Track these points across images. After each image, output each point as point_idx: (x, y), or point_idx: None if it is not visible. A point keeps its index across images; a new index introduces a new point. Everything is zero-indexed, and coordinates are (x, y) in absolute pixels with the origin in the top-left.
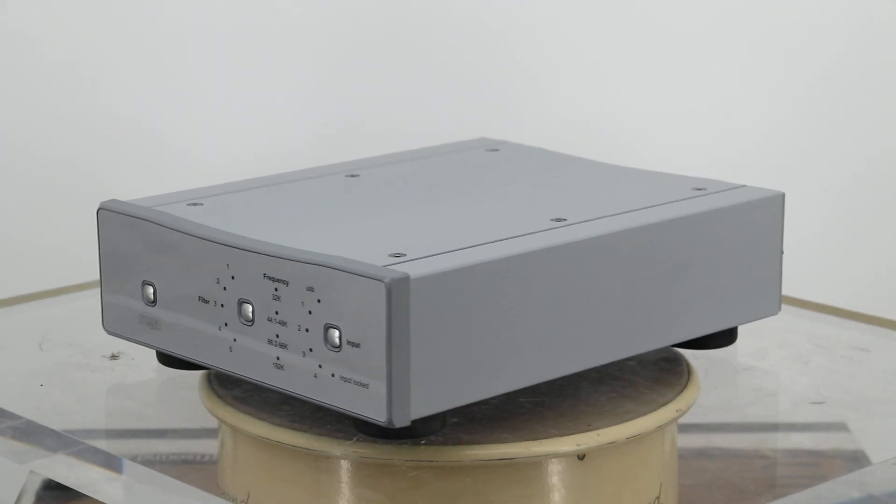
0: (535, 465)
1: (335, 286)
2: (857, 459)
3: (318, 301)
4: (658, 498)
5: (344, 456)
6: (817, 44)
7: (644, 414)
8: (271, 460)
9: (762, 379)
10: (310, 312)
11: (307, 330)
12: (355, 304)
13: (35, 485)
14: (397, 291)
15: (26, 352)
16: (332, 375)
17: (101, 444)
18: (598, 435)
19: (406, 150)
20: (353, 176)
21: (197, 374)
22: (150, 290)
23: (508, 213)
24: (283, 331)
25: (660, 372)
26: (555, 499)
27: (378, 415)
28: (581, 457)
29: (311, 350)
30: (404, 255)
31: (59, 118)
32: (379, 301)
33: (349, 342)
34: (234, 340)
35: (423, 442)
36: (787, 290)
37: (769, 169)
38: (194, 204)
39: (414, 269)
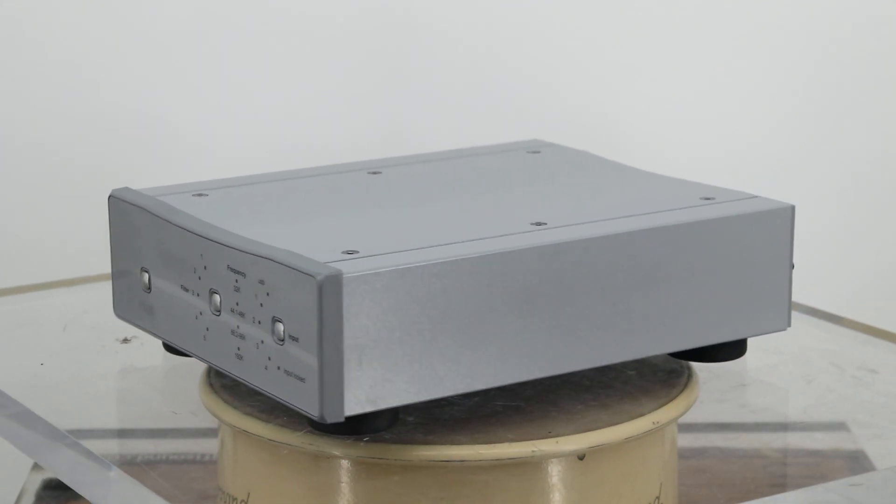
0: (535, 465)
1: (280, 280)
2: (856, 459)
3: (268, 294)
4: (658, 498)
5: (345, 456)
6: (818, 45)
7: (614, 424)
8: (271, 460)
9: (755, 396)
10: (261, 305)
11: (259, 322)
12: (295, 298)
13: (35, 485)
14: (329, 288)
15: (47, 332)
16: (278, 368)
17: (101, 444)
18: (557, 443)
19: (448, 150)
20: (374, 173)
21: (199, 363)
22: (146, 276)
23: (495, 214)
24: (241, 322)
25: (655, 383)
26: (555, 499)
27: (312, 409)
28: (581, 457)
29: (262, 342)
30: (357, 252)
31: (86, 116)
32: (312, 296)
33: (290, 336)
34: (207, 329)
35: (365, 439)
36: (805, 299)
37: (775, 170)
38: (199, 195)
39: (351, 267)
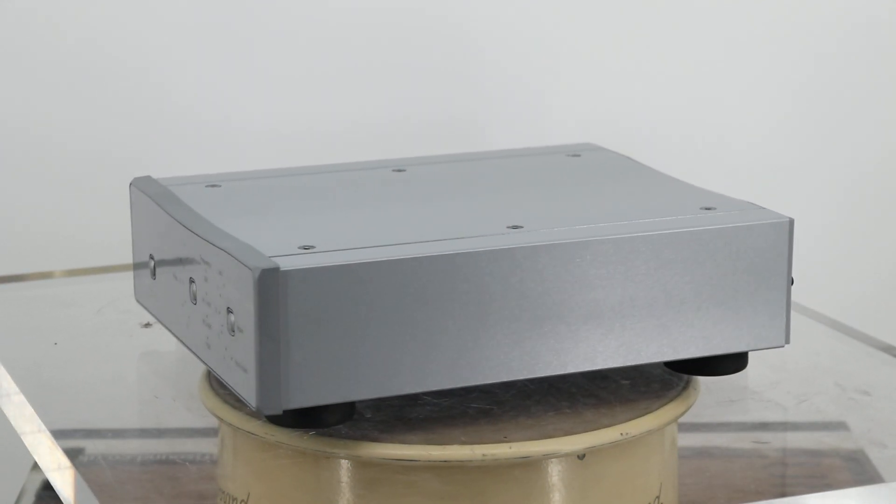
0: (536, 465)
1: (230, 272)
2: (856, 459)
3: (223, 285)
4: (658, 498)
5: (345, 456)
6: (820, 48)
7: (578, 433)
8: (271, 460)
9: (730, 416)
10: (220, 295)
11: (219, 312)
12: (239, 290)
13: (35, 485)
14: (265, 281)
15: (81, 314)
16: (231, 358)
17: (100, 443)
18: (510, 448)
19: (490, 150)
20: (399, 171)
21: None
22: (152, 264)
23: (480, 216)
24: (208, 311)
25: (642, 395)
26: (554, 498)
27: (251, 400)
28: (581, 456)
29: (221, 332)
30: (314, 247)
31: (125, 107)
32: (250, 289)
33: (238, 327)
34: (188, 317)
35: (311, 432)
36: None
37: (779, 171)
38: (212, 186)
39: (293, 262)
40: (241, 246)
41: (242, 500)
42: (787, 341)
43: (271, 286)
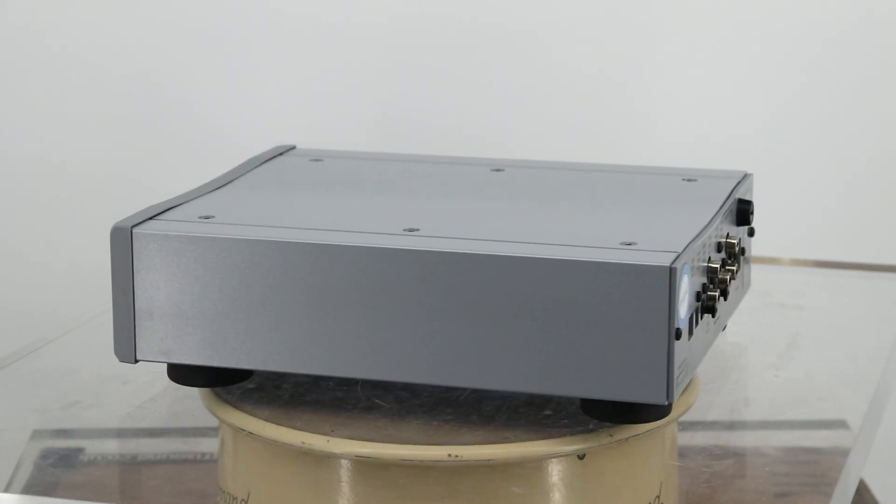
0: (536, 465)
1: None
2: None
3: None
4: (658, 497)
5: (344, 455)
6: (822, 40)
7: (410, 443)
8: (271, 460)
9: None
10: None
11: None
12: None
13: (33, 454)
14: (117, 239)
15: None
16: None
17: (100, 443)
18: (328, 442)
19: (633, 164)
20: (497, 170)
21: None
22: None
23: (402, 214)
24: None
25: (543, 427)
26: (555, 498)
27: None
28: (581, 456)
29: None
30: (212, 217)
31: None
32: None
33: None
34: None
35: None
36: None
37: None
38: (315, 160)
39: (148, 227)
40: (155, 207)
41: (243, 500)
42: (670, 399)
43: (123, 244)
